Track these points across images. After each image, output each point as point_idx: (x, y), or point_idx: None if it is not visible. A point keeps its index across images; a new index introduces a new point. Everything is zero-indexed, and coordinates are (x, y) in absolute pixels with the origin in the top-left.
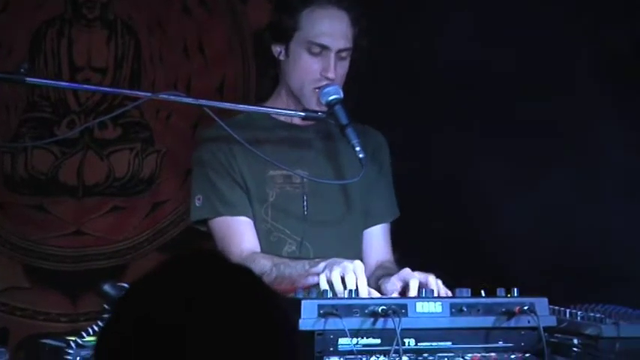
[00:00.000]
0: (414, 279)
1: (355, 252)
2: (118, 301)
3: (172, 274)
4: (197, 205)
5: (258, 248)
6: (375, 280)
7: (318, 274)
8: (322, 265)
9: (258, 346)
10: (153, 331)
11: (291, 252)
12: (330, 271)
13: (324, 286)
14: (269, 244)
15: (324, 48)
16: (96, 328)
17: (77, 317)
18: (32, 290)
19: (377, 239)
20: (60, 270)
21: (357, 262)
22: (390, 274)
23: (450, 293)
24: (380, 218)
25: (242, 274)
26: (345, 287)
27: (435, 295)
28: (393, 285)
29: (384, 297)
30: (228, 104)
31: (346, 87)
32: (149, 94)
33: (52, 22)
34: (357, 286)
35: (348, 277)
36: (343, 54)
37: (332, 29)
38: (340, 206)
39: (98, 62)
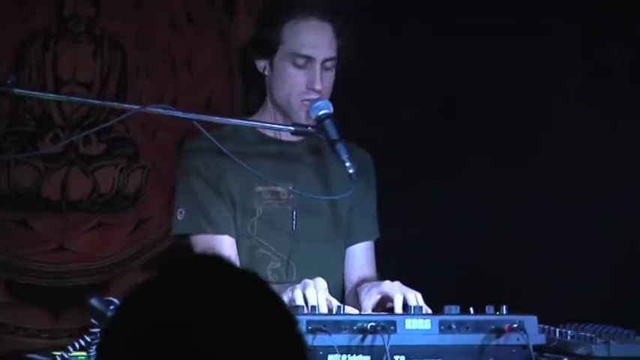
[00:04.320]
0: (399, 295)
1: (340, 270)
2: (121, 307)
3: (178, 279)
4: (179, 218)
5: None
6: (355, 292)
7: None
8: (288, 289)
9: (267, 348)
10: (159, 336)
11: (275, 269)
12: (292, 291)
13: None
14: (253, 260)
15: (309, 59)
16: (82, 343)
17: (58, 333)
18: (13, 306)
19: (360, 257)
20: (42, 286)
21: (319, 279)
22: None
23: (429, 310)
24: (363, 236)
25: (250, 278)
26: (306, 303)
27: None
28: (371, 295)
29: (371, 314)
30: (218, 118)
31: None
32: (137, 106)
33: (37, 35)
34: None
35: (308, 291)
36: (328, 64)
37: (315, 40)
38: (329, 224)
39: (84, 77)
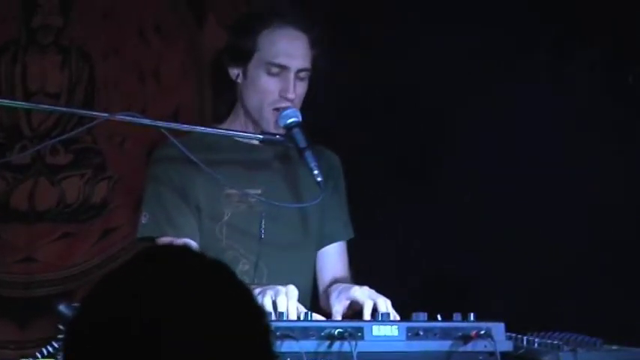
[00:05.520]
0: (368, 301)
1: (311, 277)
2: (86, 299)
3: (144, 269)
4: (143, 222)
5: None
6: (327, 293)
7: None
8: (257, 291)
9: (237, 338)
10: (125, 328)
11: (245, 271)
12: (263, 295)
13: None
14: None
15: (283, 68)
16: (50, 349)
17: (25, 344)
18: None
19: (331, 257)
20: (9, 296)
21: (290, 286)
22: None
23: (397, 317)
24: (334, 237)
25: (218, 267)
26: (275, 310)
27: None
28: (341, 300)
29: (339, 320)
30: (186, 126)
31: (304, 109)
32: (106, 114)
33: (6, 46)
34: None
35: (279, 299)
36: (302, 74)
37: (291, 49)
38: (297, 230)
39: (52, 88)
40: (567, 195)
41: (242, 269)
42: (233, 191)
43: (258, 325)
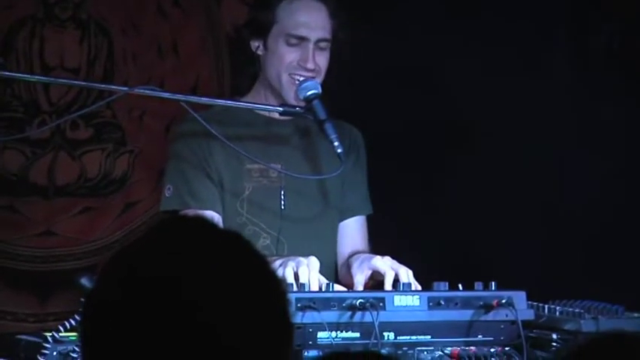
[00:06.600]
0: (390, 271)
1: (332, 249)
2: (102, 271)
3: (160, 240)
4: (167, 195)
5: None
6: (347, 264)
7: None
8: (278, 262)
9: (252, 306)
10: (143, 285)
11: (265, 246)
12: (284, 267)
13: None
14: None
15: (302, 39)
16: (73, 323)
17: (46, 317)
18: (0, 291)
19: (352, 231)
20: (29, 270)
21: (312, 258)
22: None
23: (419, 287)
24: (355, 211)
25: (233, 236)
26: (297, 281)
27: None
28: (363, 270)
29: (361, 291)
30: (205, 99)
31: (325, 82)
32: (125, 88)
33: (24, 22)
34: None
35: (301, 270)
36: (322, 44)
37: (309, 20)
38: (318, 203)
39: (70, 62)
40: (587, 166)
41: (263, 244)
42: (254, 166)
43: (273, 293)
